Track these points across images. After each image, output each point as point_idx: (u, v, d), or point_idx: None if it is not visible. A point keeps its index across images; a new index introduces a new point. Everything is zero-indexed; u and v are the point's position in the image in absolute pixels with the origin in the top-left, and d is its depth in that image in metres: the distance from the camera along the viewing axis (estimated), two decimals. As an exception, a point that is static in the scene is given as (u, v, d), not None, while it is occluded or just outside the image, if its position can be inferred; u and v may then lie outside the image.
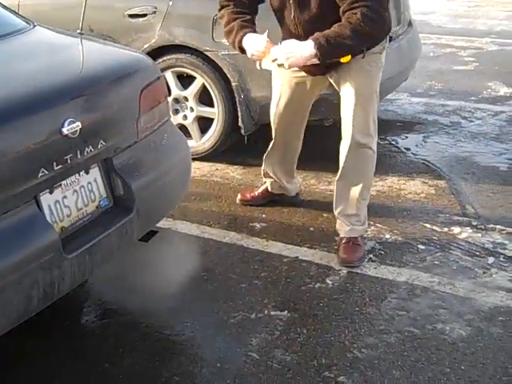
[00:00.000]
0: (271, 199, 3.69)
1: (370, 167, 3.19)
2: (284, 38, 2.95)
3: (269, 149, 3.54)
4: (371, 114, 3.06)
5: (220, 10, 3.08)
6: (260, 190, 3.72)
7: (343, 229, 3.22)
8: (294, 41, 2.83)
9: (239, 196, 3.72)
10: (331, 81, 3.08)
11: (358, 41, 2.75)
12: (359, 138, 3.05)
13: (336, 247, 3.22)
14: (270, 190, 3.67)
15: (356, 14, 2.69)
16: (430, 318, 2.75)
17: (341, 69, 2.97)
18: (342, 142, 3.11)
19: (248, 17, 2.98)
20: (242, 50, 2.96)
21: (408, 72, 4.77)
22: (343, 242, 3.19)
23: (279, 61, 2.84)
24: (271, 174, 3.58)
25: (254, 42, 2.88)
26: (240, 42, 2.93)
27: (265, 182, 3.69)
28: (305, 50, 2.76)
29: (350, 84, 3.00)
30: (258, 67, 2.96)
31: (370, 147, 3.09)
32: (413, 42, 4.81)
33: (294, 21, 2.90)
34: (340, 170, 3.18)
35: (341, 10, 2.75)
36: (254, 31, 2.93)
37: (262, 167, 3.62)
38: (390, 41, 3.20)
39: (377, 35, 2.83)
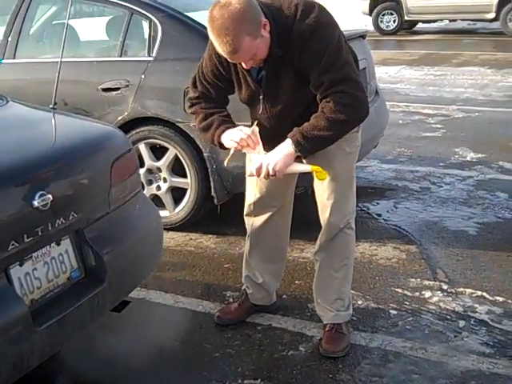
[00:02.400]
0: (254, 311, 3.29)
1: (352, 247, 3.08)
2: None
3: (248, 250, 3.21)
4: (350, 196, 2.97)
5: (191, 106, 2.88)
6: (238, 304, 3.27)
7: (326, 315, 3.07)
8: (268, 153, 2.70)
9: (218, 314, 3.24)
10: (304, 161, 2.82)
11: (336, 130, 2.62)
12: (339, 223, 2.94)
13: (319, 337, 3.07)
14: (251, 301, 3.26)
15: (329, 102, 2.57)
16: (403, 383, 2.75)
17: (318, 153, 2.74)
18: (322, 227, 2.99)
19: (225, 112, 2.83)
20: (221, 145, 2.80)
21: (377, 139, 4.89)
22: (326, 329, 3.03)
23: (260, 172, 2.69)
24: (257, 279, 3.21)
25: (236, 134, 2.72)
26: (219, 136, 2.76)
27: (242, 295, 3.29)
28: (284, 150, 2.66)
29: (327, 169, 2.80)
30: (226, 163, 2.82)
31: (350, 227, 2.99)
32: (380, 110, 4.96)
33: (265, 114, 2.78)
34: (320, 255, 3.04)
35: (317, 98, 2.63)
36: (234, 126, 2.78)
37: (244, 274, 3.27)
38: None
39: (355, 120, 2.67)
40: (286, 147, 2.67)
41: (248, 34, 2.46)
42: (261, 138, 2.83)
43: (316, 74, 2.59)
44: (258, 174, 2.73)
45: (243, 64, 2.61)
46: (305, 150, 2.67)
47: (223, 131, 2.76)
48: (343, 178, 2.93)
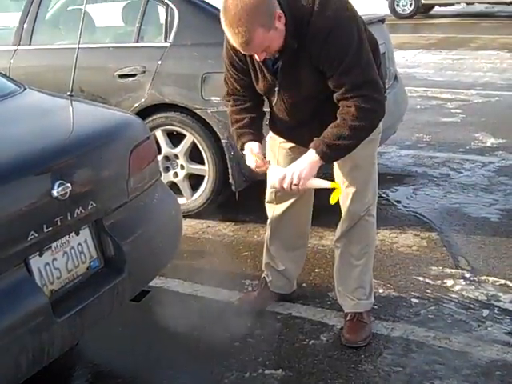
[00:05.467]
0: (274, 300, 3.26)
1: (373, 234, 3.07)
2: (272, 121, 2.88)
3: (268, 237, 3.18)
4: (371, 184, 2.93)
5: (227, 105, 2.89)
6: (258, 293, 3.26)
7: (347, 304, 3.04)
8: (291, 164, 2.66)
9: (237, 302, 3.25)
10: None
11: (358, 137, 2.58)
12: (360, 211, 2.91)
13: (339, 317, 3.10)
14: (271, 289, 3.23)
15: (350, 107, 2.51)
16: (426, 374, 2.72)
17: None
18: (343, 215, 2.95)
19: (246, 119, 2.77)
20: None
21: (396, 125, 4.82)
22: (347, 318, 3.00)
23: (283, 182, 2.62)
24: (277, 266, 3.18)
25: (248, 159, 2.75)
26: (242, 149, 2.80)
27: (262, 283, 3.26)
28: (308, 159, 2.60)
29: (348, 157, 2.73)
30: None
31: (370, 214, 2.96)
32: (399, 95, 4.89)
33: (281, 106, 2.73)
34: (340, 243, 3.01)
35: (335, 96, 2.56)
36: (254, 137, 2.75)
37: (264, 261, 3.24)
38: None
39: (375, 124, 2.63)
40: (311, 157, 2.61)
41: (261, 26, 2.39)
42: (277, 129, 2.87)
43: (336, 74, 2.51)
44: (281, 186, 2.66)
45: (256, 56, 2.55)
46: (329, 159, 2.66)
47: (242, 146, 2.78)
48: (364, 166, 2.88)
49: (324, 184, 2.68)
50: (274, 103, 2.77)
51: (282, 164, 2.89)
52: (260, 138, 2.81)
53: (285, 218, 3.09)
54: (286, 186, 2.64)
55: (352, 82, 2.51)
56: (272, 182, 2.71)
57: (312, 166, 2.61)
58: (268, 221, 3.17)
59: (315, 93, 2.66)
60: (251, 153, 2.73)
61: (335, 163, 2.87)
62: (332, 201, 2.63)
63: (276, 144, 2.94)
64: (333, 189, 2.64)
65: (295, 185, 2.62)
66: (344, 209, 2.95)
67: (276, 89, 2.69)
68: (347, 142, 2.57)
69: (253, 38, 2.40)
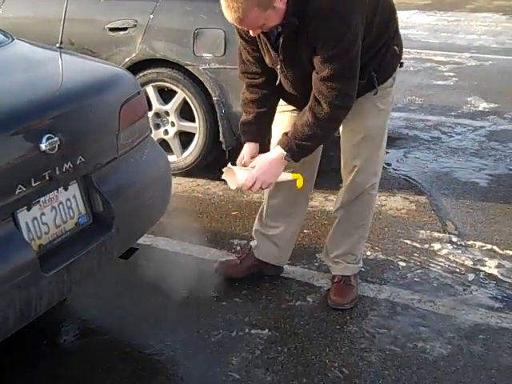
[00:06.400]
0: (257, 270, 3.15)
1: (373, 206, 3.04)
2: (280, 93, 2.75)
3: (266, 200, 3.05)
4: (379, 156, 2.87)
5: (241, 78, 2.79)
6: (243, 259, 3.16)
7: (335, 266, 3.03)
8: (257, 166, 2.64)
9: (217, 265, 3.19)
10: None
11: (330, 134, 2.61)
12: (365, 184, 2.86)
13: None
14: (257, 256, 3.12)
15: (323, 106, 2.47)
16: (410, 336, 2.75)
17: (351, 112, 2.59)
18: (345, 185, 2.89)
19: (252, 114, 2.74)
20: None
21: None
22: (335, 281, 3.00)
23: (252, 188, 2.63)
24: (267, 231, 3.08)
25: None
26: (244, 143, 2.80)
27: (249, 249, 3.18)
28: (274, 162, 2.60)
29: (358, 126, 2.73)
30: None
31: (374, 188, 2.91)
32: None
33: (286, 84, 2.65)
34: (340, 213, 2.96)
35: (314, 77, 2.49)
36: (254, 137, 2.75)
37: (254, 227, 3.14)
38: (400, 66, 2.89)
39: (342, 118, 2.57)
40: (278, 156, 2.59)
41: (257, 6, 2.29)
42: (284, 97, 2.78)
43: (328, 55, 2.42)
44: (248, 189, 2.66)
45: (250, 31, 2.47)
46: (297, 158, 2.63)
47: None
48: (375, 137, 2.81)
49: (286, 177, 2.70)
50: (280, 78, 2.66)
51: (285, 124, 2.80)
52: (262, 136, 2.78)
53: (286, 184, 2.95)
54: (254, 190, 2.65)
55: (335, 69, 2.42)
56: (237, 184, 2.66)
57: (279, 166, 2.62)
58: None
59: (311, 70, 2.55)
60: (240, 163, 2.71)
61: (344, 133, 2.82)
62: (298, 186, 2.68)
63: (279, 109, 2.84)
64: (295, 180, 2.68)
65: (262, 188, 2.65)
66: (348, 180, 2.87)
67: (278, 66, 2.60)
68: (318, 140, 2.60)
69: (246, 16, 2.32)
